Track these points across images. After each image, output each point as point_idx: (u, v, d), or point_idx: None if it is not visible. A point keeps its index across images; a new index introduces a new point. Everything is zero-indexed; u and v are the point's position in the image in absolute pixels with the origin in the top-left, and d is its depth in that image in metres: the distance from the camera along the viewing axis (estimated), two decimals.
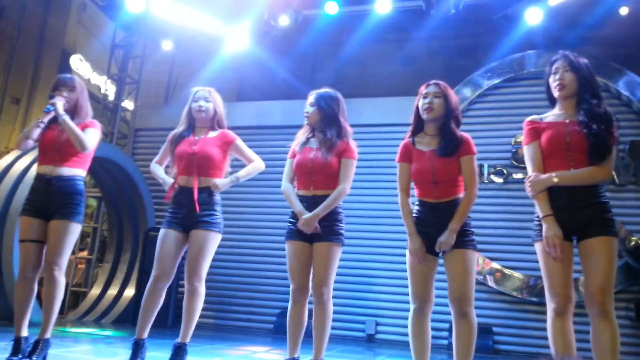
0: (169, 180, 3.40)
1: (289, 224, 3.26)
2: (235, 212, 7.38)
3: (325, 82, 3.61)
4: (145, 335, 3.20)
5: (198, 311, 3.22)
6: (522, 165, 6.31)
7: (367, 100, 7.64)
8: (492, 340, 6.29)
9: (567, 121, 2.69)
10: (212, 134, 3.44)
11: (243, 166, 3.49)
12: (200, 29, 8.11)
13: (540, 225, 2.65)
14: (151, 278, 3.21)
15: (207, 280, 3.30)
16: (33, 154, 5.84)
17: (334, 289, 3.27)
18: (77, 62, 10.61)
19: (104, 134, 3.63)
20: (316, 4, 7.82)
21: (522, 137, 2.86)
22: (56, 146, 3.24)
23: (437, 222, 2.86)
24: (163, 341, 4.56)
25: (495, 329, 6.41)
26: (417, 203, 2.99)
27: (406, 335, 2.93)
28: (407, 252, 2.93)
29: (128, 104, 9.13)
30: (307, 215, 3.15)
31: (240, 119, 7.38)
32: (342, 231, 3.23)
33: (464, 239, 2.83)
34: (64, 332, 5.53)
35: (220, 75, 8.14)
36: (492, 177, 6.87)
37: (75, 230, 3.21)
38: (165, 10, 7.80)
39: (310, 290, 3.19)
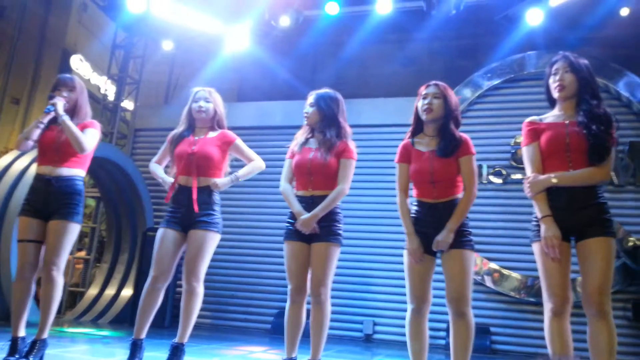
0: (169, 179, 3.40)
1: (288, 225, 3.26)
2: (234, 212, 7.37)
3: (325, 83, 3.61)
4: (143, 335, 3.19)
5: (196, 311, 3.22)
6: (521, 166, 6.30)
7: (368, 101, 7.64)
8: (489, 340, 6.29)
9: (567, 122, 2.69)
10: (212, 134, 3.44)
11: (243, 167, 3.49)
12: (200, 29, 8.11)
13: (539, 225, 2.65)
14: (149, 278, 3.21)
15: (205, 281, 3.29)
16: (32, 154, 5.84)
17: (332, 289, 3.26)
18: (78, 62, 10.62)
19: (103, 134, 3.64)
20: (317, 4, 7.82)
21: (521, 138, 2.86)
22: (55, 146, 3.24)
23: (435, 222, 2.86)
24: (160, 341, 4.55)
25: (492, 329, 6.40)
26: (415, 203, 2.99)
27: (404, 335, 2.93)
28: (405, 252, 2.93)
29: (128, 104, 9.13)
30: (306, 215, 3.15)
31: (241, 120, 7.38)
32: (340, 231, 3.23)
33: (461, 239, 2.83)
34: (62, 332, 5.53)
35: (220, 75, 8.14)
36: (491, 177, 6.87)
37: (74, 230, 3.21)
38: (166, 10, 7.80)
39: (308, 291, 3.19)
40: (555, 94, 2.76)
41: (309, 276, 3.20)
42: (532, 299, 6.32)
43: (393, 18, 7.79)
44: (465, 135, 2.97)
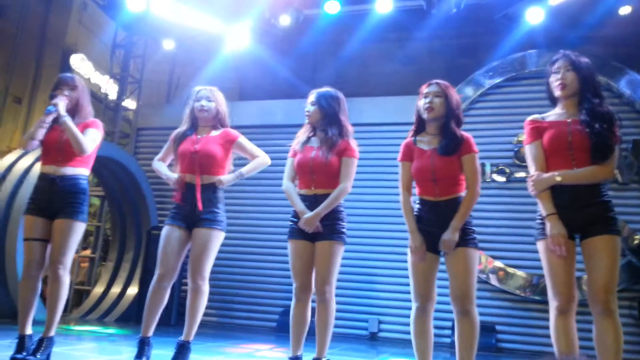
0: (172, 175, 3.40)
1: (291, 223, 3.28)
2: (238, 211, 7.39)
3: (326, 82, 3.62)
4: (151, 333, 3.21)
5: (201, 309, 3.24)
6: (525, 164, 6.28)
7: (368, 100, 7.64)
8: (495, 338, 6.30)
9: (569, 120, 2.70)
10: (215, 133, 3.46)
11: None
12: (201, 28, 8.11)
13: (543, 223, 2.66)
14: (155, 276, 3.22)
15: (210, 279, 3.31)
16: (35, 153, 5.85)
17: (337, 287, 3.28)
18: (79, 62, 10.62)
19: (106, 133, 3.64)
20: (317, 3, 7.82)
21: (523, 136, 2.86)
22: (59, 146, 3.25)
23: (437, 221, 2.88)
24: (166, 339, 4.57)
25: (498, 328, 6.42)
26: (417, 202, 3.01)
27: (409, 333, 2.94)
28: (408, 250, 2.94)
29: (130, 104, 9.14)
30: (309, 214, 3.16)
31: (242, 118, 7.39)
32: (343, 230, 3.25)
33: (465, 238, 2.84)
34: (68, 330, 5.55)
35: (221, 74, 8.14)
36: (495, 176, 6.88)
37: (79, 229, 3.22)
38: (166, 9, 7.80)
39: (313, 289, 3.20)
40: (557, 93, 2.77)
41: (313, 274, 3.21)
42: (537, 298, 6.33)
43: (393, 17, 7.80)
44: (467, 134, 2.97)
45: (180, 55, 9.61)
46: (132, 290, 7.32)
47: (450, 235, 2.80)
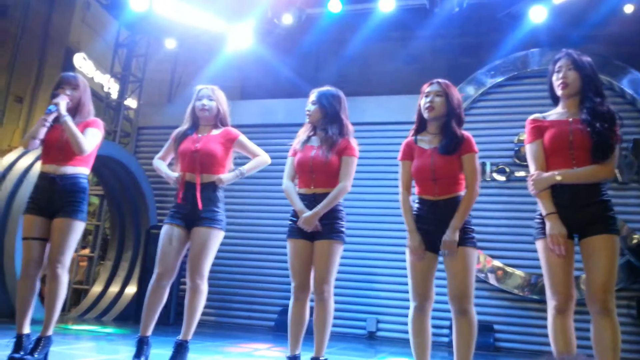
0: (172, 174, 3.40)
1: (290, 222, 3.27)
2: (237, 210, 7.38)
3: (328, 81, 3.62)
4: (150, 332, 3.21)
5: (200, 309, 3.24)
6: (525, 163, 6.27)
7: (371, 99, 7.63)
8: (493, 338, 6.29)
9: (570, 120, 2.69)
10: (216, 132, 3.46)
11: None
12: (203, 27, 8.11)
13: (542, 223, 2.65)
14: (154, 275, 3.22)
15: (208, 278, 3.30)
16: (36, 152, 5.85)
17: (335, 287, 3.27)
18: (81, 61, 10.65)
19: (106, 132, 3.64)
20: (320, 2, 7.81)
21: (524, 136, 2.85)
22: (59, 145, 3.24)
23: (436, 220, 2.87)
24: (165, 338, 4.57)
25: (496, 327, 6.40)
26: (417, 201, 3.00)
27: (407, 332, 2.93)
28: (407, 249, 2.93)
29: (131, 103, 9.14)
30: (307, 213, 3.16)
31: (244, 117, 7.38)
32: (343, 229, 3.24)
33: (464, 237, 2.83)
34: (66, 330, 5.55)
35: (223, 73, 8.14)
36: (495, 175, 6.86)
37: (78, 228, 3.22)
38: (169, 9, 7.81)
39: (312, 288, 3.19)
40: (559, 92, 2.76)
41: (312, 274, 3.20)
42: (535, 297, 6.32)
43: (396, 16, 7.78)
44: (467, 133, 2.97)
45: (182, 54, 9.62)
46: (131, 289, 7.32)
47: (451, 235, 2.79)
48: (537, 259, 2.72)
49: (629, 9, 7.31)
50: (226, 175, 3.38)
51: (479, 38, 8.80)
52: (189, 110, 3.52)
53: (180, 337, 3.20)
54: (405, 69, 8.97)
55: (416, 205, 2.98)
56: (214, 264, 3.42)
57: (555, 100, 2.85)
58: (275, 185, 6.21)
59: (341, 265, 3.35)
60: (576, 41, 7.46)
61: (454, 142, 2.90)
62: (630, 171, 6.45)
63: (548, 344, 2.62)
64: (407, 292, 2.98)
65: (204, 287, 3.24)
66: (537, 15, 7.19)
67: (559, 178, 2.61)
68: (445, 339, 6.11)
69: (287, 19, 7.87)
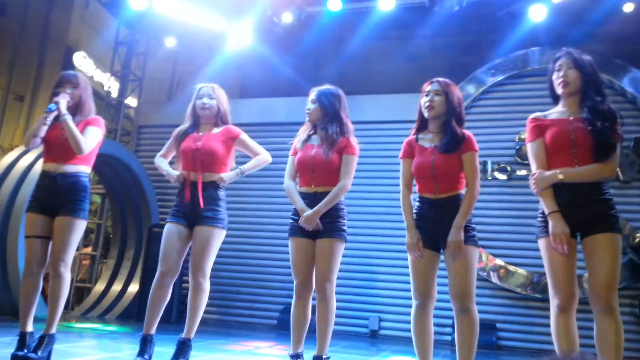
0: (173, 172, 3.40)
1: (292, 221, 3.28)
2: (239, 209, 7.39)
3: (328, 79, 3.62)
4: (153, 330, 3.21)
5: (202, 307, 3.24)
6: (526, 162, 6.30)
7: (371, 97, 7.64)
8: (495, 336, 6.31)
9: (571, 118, 2.68)
10: (216, 130, 3.45)
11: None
12: (203, 26, 8.10)
13: (544, 221, 2.65)
14: (157, 274, 3.22)
15: (211, 276, 3.30)
16: (37, 151, 5.86)
17: (337, 285, 3.28)
18: (81, 59, 10.62)
19: (107, 130, 3.63)
20: (319, 0, 7.81)
21: (525, 134, 2.85)
22: (60, 144, 3.24)
23: (437, 218, 2.88)
24: (167, 336, 4.57)
25: (499, 325, 6.42)
26: (417, 199, 3.00)
27: (409, 331, 2.94)
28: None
29: (131, 101, 9.14)
30: (308, 212, 3.16)
31: (244, 116, 7.38)
32: (344, 227, 3.24)
33: (465, 235, 2.83)
34: (69, 328, 5.56)
35: (223, 72, 8.13)
36: (496, 174, 6.87)
37: (80, 226, 3.22)
38: (168, 7, 7.80)
39: (314, 286, 3.20)
40: (559, 90, 2.76)
41: (314, 272, 3.21)
42: (538, 295, 6.33)
43: (396, 14, 7.78)
44: (468, 132, 2.97)
45: (182, 52, 9.61)
46: (133, 287, 7.34)
47: (456, 235, 2.79)
48: (540, 258, 2.72)
49: (628, 7, 7.32)
50: (227, 174, 3.38)
51: (479, 37, 8.80)
52: (189, 109, 3.51)
53: (182, 335, 3.20)
54: (405, 68, 8.98)
55: (417, 204, 2.99)
56: (216, 263, 3.42)
57: (555, 99, 2.85)
58: (276, 184, 6.22)
59: (343, 263, 3.36)
60: (576, 40, 7.46)
61: (454, 141, 2.90)
62: (632, 170, 6.47)
63: (551, 343, 2.62)
64: (409, 290, 2.99)
65: (207, 286, 3.24)
66: (537, 14, 7.20)
67: (561, 177, 2.61)
68: (448, 338, 6.13)
69: (287, 18, 7.88)
